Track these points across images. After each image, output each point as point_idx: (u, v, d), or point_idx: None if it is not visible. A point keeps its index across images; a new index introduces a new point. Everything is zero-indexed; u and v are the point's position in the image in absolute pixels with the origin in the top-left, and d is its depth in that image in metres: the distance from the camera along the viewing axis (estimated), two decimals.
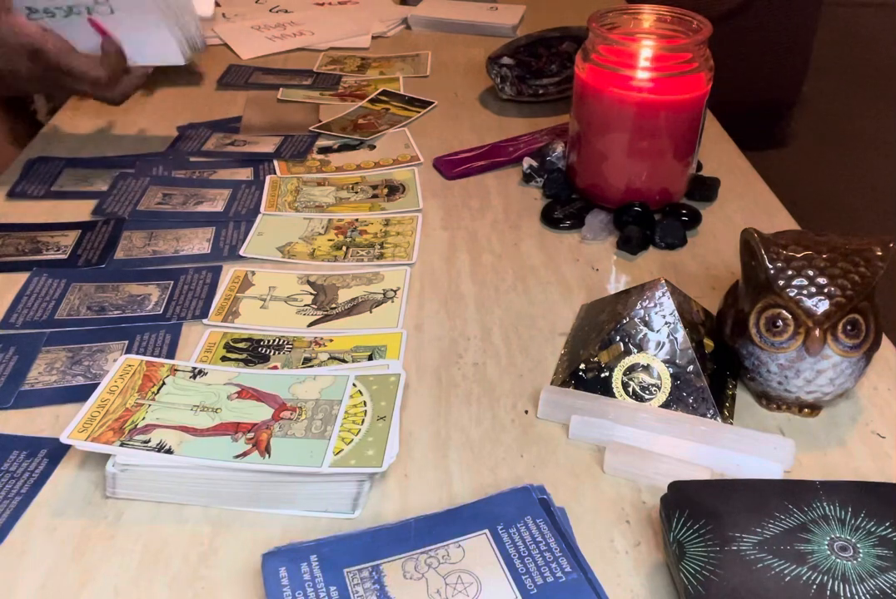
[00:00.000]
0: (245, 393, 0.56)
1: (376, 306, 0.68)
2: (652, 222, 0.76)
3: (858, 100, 2.33)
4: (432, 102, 1.02)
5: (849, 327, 0.53)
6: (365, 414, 0.54)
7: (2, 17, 0.75)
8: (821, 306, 0.53)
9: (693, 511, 0.45)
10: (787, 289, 0.53)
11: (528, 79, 1.00)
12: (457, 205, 0.82)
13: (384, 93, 1.04)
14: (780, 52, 1.96)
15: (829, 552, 0.43)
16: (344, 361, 0.61)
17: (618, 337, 0.58)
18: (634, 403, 0.57)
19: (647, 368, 0.57)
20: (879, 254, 0.54)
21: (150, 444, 0.51)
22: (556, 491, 0.51)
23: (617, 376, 0.58)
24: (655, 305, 0.58)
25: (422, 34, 1.24)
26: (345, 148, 0.92)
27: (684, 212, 0.78)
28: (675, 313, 0.58)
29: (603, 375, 0.58)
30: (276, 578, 0.45)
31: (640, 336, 0.58)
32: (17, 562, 0.48)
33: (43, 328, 0.65)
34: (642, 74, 0.73)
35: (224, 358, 0.62)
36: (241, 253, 0.74)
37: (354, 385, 0.56)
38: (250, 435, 0.52)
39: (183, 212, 0.79)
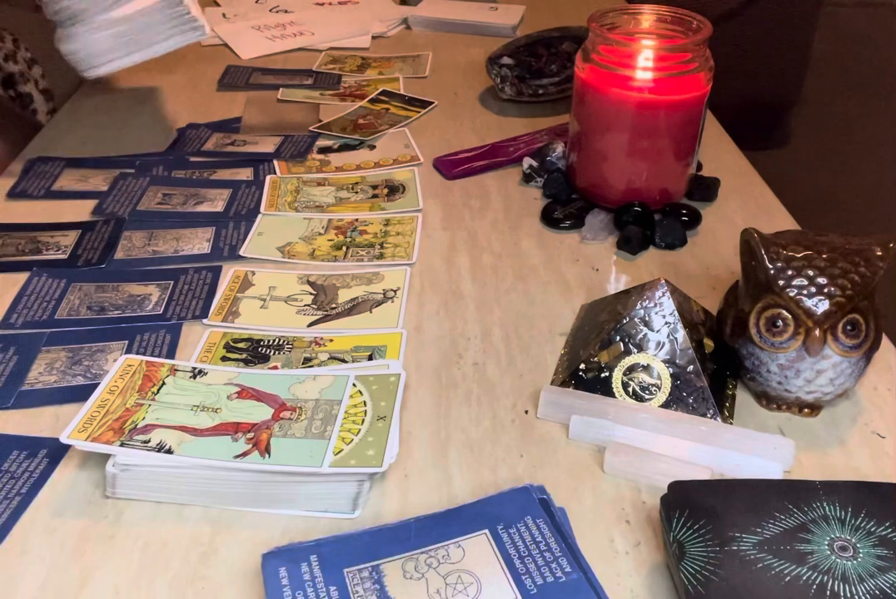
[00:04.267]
0: (245, 393, 0.56)
1: (376, 306, 0.68)
2: (652, 222, 0.76)
3: (858, 100, 2.33)
4: (432, 102, 1.02)
5: (849, 327, 0.53)
6: (365, 414, 0.54)
7: None
8: (821, 306, 0.53)
9: (693, 511, 0.45)
10: (787, 289, 0.53)
11: (528, 79, 1.00)
12: (457, 205, 0.82)
13: (384, 93, 1.04)
14: (780, 52, 1.96)
15: (829, 552, 0.43)
16: (344, 361, 0.61)
17: (618, 337, 0.58)
18: (634, 403, 0.57)
19: (647, 368, 0.57)
20: (879, 254, 0.54)
21: (150, 444, 0.51)
22: (556, 491, 0.51)
23: (617, 376, 0.58)
24: (655, 305, 0.58)
25: (422, 34, 1.24)
26: (345, 148, 0.92)
27: (684, 212, 0.78)
28: (675, 313, 0.58)
29: (603, 375, 0.58)
30: (276, 578, 0.45)
31: (640, 336, 0.58)
32: (17, 562, 0.48)
33: (43, 328, 0.65)
34: (642, 74, 0.73)
35: (224, 358, 0.62)
36: (241, 253, 0.74)
37: (354, 385, 0.56)
38: (250, 435, 0.52)
39: (183, 212, 0.79)
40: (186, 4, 0.81)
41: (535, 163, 0.85)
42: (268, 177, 0.85)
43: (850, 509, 0.45)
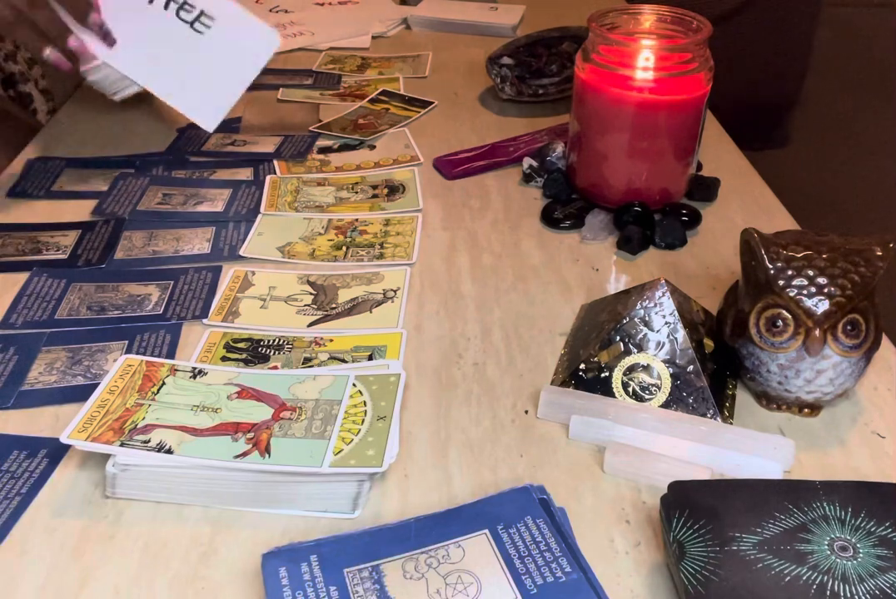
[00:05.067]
0: (245, 393, 0.56)
1: (376, 306, 0.68)
2: (652, 222, 0.76)
3: (858, 101, 2.33)
4: (432, 102, 1.02)
5: (849, 327, 0.53)
6: (365, 414, 0.54)
7: None
8: (821, 306, 0.53)
9: (693, 511, 0.45)
10: (787, 289, 0.53)
11: (528, 79, 1.00)
12: (457, 205, 0.82)
13: (384, 93, 1.04)
14: (780, 52, 1.96)
15: (829, 552, 0.43)
16: (344, 361, 0.61)
17: (618, 337, 0.58)
18: (634, 403, 0.57)
19: (647, 368, 0.57)
20: (879, 254, 0.54)
21: (150, 444, 0.51)
22: (556, 491, 0.51)
23: (617, 376, 0.58)
24: (655, 305, 0.58)
25: (422, 34, 1.24)
26: (345, 148, 0.92)
27: (684, 212, 0.78)
28: (675, 313, 0.58)
29: (603, 375, 0.58)
30: (276, 578, 0.45)
31: (640, 336, 0.58)
32: (17, 562, 0.48)
33: (43, 328, 0.65)
34: (642, 74, 0.73)
35: (224, 358, 0.62)
36: (241, 253, 0.74)
37: (354, 385, 0.56)
38: (250, 435, 0.52)
39: (183, 212, 0.79)
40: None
41: (535, 163, 0.85)
42: (268, 177, 0.85)
43: (850, 509, 0.45)
